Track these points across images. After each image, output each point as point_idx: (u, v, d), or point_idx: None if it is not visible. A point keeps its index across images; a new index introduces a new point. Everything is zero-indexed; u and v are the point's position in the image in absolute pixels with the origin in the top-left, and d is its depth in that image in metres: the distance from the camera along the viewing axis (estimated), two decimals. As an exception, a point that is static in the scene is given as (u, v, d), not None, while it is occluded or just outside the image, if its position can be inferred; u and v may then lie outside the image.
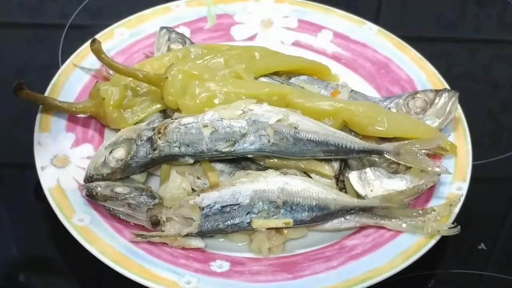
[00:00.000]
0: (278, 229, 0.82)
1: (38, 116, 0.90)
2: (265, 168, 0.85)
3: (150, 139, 0.84)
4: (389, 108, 0.93)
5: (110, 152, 0.85)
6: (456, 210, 0.82)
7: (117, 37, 1.02)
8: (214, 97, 0.87)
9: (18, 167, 0.96)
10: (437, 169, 0.83)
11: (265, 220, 0.81)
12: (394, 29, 1.06)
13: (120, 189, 0.82)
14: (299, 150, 0.84)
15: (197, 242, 0.81)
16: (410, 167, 0.86)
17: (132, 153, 0.84)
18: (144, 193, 0.82)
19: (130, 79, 0.92)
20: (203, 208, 0.81)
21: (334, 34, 1.06)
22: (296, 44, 1.06)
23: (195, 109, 0.86)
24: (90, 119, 0.92)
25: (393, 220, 0.82)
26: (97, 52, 0.91)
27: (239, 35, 1.06)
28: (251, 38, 1.07)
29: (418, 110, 0.92)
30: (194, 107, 0.87)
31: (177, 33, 1.01)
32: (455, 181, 0.86)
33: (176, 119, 0.85)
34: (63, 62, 0.98)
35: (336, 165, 0.86)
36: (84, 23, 1.14)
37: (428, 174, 0.84)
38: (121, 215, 0.82)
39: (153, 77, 0.90)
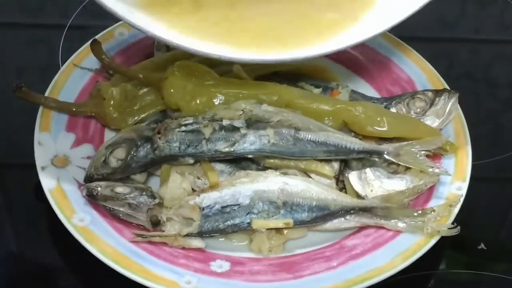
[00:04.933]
0: (278, 229, 0.82)
1: (38, 116, 0.90)
2: (265, 168, 0.85)
3: (150, 139, 0.84)
4: (389, 108, 0.93)
5: (111, 152, 0.85)
6: (456, 210, 0.82)
7: (117, 37, 1.02)
8: (214, 97, 0.87)
9: (18, 167, 0.96)
10: (437, 170, 0.84)
11: (265, 221, 0.81)
12: (394, 29, 1.06)
13: (120, 189, 0.82)
14: (299, 150, 0.84)
15: (197, 242, 0.81)
16: (410, 168, 0.86)
17: (132, 153, 0.84)
18: (144, 193, 0.82)
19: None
20: (203, 209, 0.81)
21: (334, 34, 1.06)
22: (296, 44, 1.06)
23: (195, 109, 0.86)
24: (90, 119, 0.92)
25: (393, 220, 0.82)
26: (97, 52, 0.91)
27: (239, 35, 1.06)
28: (251, 38, 1.06)
29: (418, 110, 0.92)
30: (194, 107, 0.87)
31: (177, 33, 1.01)
32: (455, 181, 0.86)
33: (176, 119, 0.85)
34: (63, 62, 0.98)
35: (336, 165, 0.86)
36: (84, 23, 1.14)
37: (428, 174, 0.84)
38: (121, 215, 0.82)
39: (153, 78, 0.90)
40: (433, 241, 0.80)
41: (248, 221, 0.81)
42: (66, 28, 1.12)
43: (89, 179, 0.84)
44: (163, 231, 0.81)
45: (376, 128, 0.87)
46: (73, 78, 0.96)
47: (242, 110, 0.84)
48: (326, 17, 0.84)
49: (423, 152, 0.85)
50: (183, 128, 0.84)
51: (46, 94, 0.92)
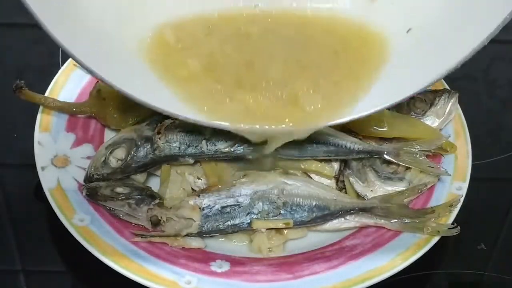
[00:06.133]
0: (278, 229, 0.82)
1: (38, 116, 0.90)
2: (265, 169, 0.86)
3: (150, 139, 0.84)
4: (389, 108, 0.93)
5: (111, 152, 0.85)
6: (456, 210, 0.82)
7: (117, 37, 1.02)
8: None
9: (18, 167, 0.96)
10: (437, 171, 0.84)
11: (265, 221, 0.81)
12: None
13: (120, 189, 0.82)
14: (299, 150, 0.84)
15: (197, 242, 0.81)
16: (410, 168, 0.86)
17: (132, 153, 0.84)
18: (144, 193, 0.82)
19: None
20: (203, 209, 0.81)
21: (334, 34, 1.06)
22: (296, 44, 1.06)
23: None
24: (90, 119, 0.92)
25: (392, 220, 0.82)
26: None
27: (239, 35, 1.06)
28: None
29: (418, 110, 0.92)
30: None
31: (177, 33, 1.01)
32: (455, 181, 0.86)
33: (176, 119, 0.85)
34: (63, 62, 0.98)
35: (336, 165, 0.86)
36: (84, 23, 1.14)
37: (428, 174, 0.84)
38: (121, 215, 0.82)
39: (153, 77, 0.90)
40: (433, 241, 0.80)
41: (248, 221, 0.81)
42: (66, 28, 1.12)
43: (89, 179, 0.84)
44: (163, 231, 0.81)
45: (376, 128, 0.87)
46: (73, 78, 0.96)
47: (242, 110, 0.84)
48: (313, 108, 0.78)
49: (423, 152, 0.85)
50: (183, 128, 0.84)
51: (46, 94, 0.93)
